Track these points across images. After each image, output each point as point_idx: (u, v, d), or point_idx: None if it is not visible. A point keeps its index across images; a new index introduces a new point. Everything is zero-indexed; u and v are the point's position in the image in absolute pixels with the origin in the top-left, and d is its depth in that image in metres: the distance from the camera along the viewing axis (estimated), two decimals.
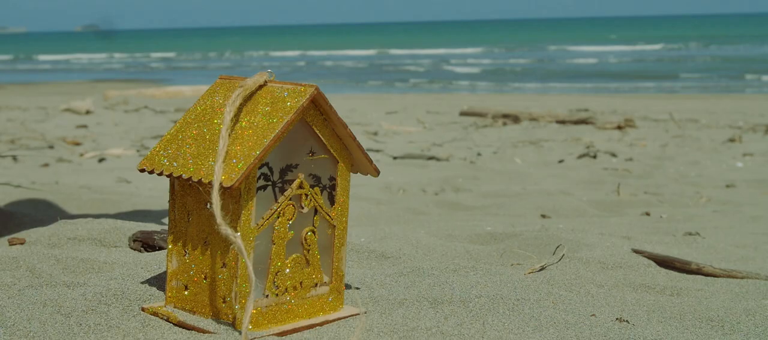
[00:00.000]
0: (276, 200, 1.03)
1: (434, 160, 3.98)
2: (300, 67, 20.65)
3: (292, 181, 1.05)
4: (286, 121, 1.00)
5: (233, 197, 0.99)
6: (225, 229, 0.96)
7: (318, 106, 1.05)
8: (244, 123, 1.02)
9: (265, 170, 1.01)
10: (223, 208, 1.00)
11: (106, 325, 1.03)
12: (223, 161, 0.99)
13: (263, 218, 1.02)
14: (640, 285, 1.42)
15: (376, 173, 1.12)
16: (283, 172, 1.04)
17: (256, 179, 1.00)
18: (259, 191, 1.01)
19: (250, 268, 0.97)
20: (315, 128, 1.05)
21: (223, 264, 1.01)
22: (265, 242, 1.03)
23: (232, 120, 1.02)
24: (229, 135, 1.01)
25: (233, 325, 1.01)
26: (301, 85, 1.04)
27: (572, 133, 5.51)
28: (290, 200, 1.04)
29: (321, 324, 1.08)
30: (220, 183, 0.97)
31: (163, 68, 21.18)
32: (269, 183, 1.02)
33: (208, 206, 1.02)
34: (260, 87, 1.06)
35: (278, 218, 1.03)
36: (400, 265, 1.38)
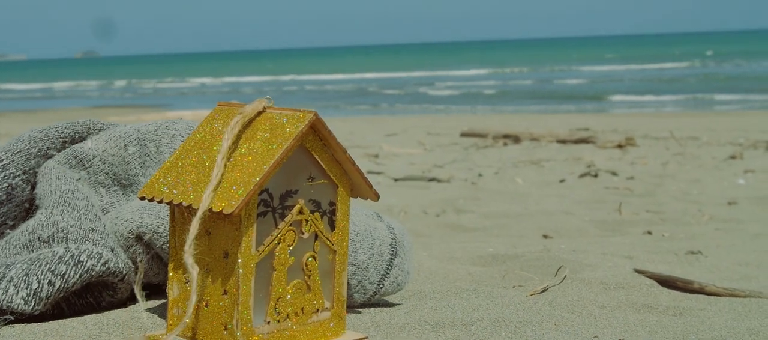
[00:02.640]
0: (276, 226, 1.03)
1: (435, 181, 3.98)
2: (292, 91, 20.65)
3: (292, 207, 1.04)
4: (285, 147, 1.00)
5: (234, 223, 0.99)
6: (188, 258, 0.96)
7: (317, 131, 1.05)
8: (243, 150, 1.02)
9: (265, 196, 1.01)
10: (223, 235, 1.00)
11: None
12: (220, 188, 0.99)
13: (264, 245, 1.02)
14: (642, 305, 1.41)
15: (376, 197, 1.12)
16: (283, 198, 1.04)
17: (256, 205, 1.00)
18: (259, 218, 1.01)
19: (194, 299, 0.96)
20: (314, 154, 1.05)
21: (225, 291, 1.01)
22: (266, 269, 1.03)
23: (229, 148, 1.02)
24: (226, 163, 1.01)
25: None
26: (299, 111, 1.04)
27: (573, 153, 5.51)
28: (290, 225, 1.04)
29: None
30: (211, 209, 0.97)
31: (161, 94, 21.19)
32: (269, 209, 1.02)
33: (208, 234, 1.02)
34: (259, 113, 1.06)
35: (279, 244, 1.03)
36: (401, 288, 1.38)
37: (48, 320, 1.13)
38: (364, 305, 1.29)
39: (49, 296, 1.11)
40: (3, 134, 7.42)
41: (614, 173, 4.30)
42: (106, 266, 1.15)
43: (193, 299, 0.96)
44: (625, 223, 2.67)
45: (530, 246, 2.05)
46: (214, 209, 0.97)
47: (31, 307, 1.10)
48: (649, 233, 2.44)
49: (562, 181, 4.05)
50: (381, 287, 1.28)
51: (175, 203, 1.02)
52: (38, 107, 15.25)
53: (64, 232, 1.17)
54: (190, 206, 1.01)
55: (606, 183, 3.93)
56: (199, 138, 1.09)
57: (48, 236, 1.18)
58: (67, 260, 1.13)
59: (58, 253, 1.13)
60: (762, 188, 3.76)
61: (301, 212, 1.05)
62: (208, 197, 0.98)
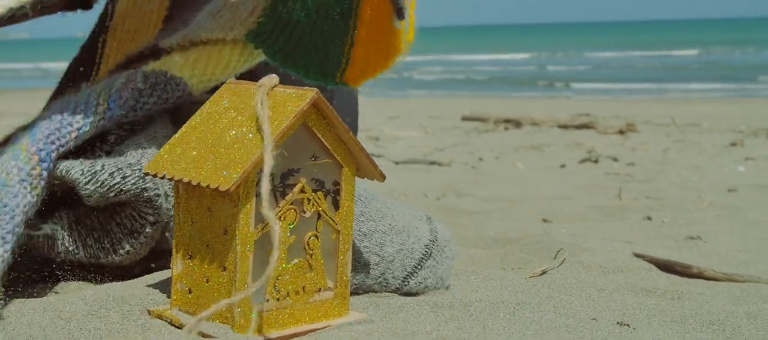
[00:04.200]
0: (277, 204, 1.03)
1: (436, 165, 3.99)
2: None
3: (294, 185, 1.05)
4: (285, 124, 1.00)
5: (232, 200, 1.00)
6: (267, 212, 0.96)
7: (320, 110, 1.05)
8: (244, 127, 1.03)
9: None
10: (223, 212, 1.00)
11: (107, 329, 1.03)
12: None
13: (263, 223, 1.02)
14: (641, 289, 1.42)
15: (382, 177, 1.12)
16: (285, 176, 1.04)
17: (255, 182, 1.00)
18: (258, 195, 1.01)
19: (275, 255, 0.96)
20: (317, 132, 1.06)
21: (224, 268, 1.02)
22: (265, 247, 1.03)
23: (269, 124, 1.02)
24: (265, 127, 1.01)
25: (232, 329, 1.01)
26: (302, 88, 1.04)
27: (574, 138, 5.51)
28: (292, 204, 1.05)
29: (323, 329, 1.08)
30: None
31: None
32: (270, 187, 1.02)
33: (209, 210, 1.03)
34: (272, 88, 1.06)
35: (279, 222, 1.03)
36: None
37: (48, 287, 1.14)
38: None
39: (106, 186, 1.14)
40: (4, 113, 7.42)
41: (615, 159, 4.30)
42: (156, 190, 1.19)
43: (275, 255, 0.95)
44: (624, 208, 2.67)
45: (530, 230, 2.05)
46: (211, 186, 0.98)
47: (87, 185, 1.14)
48: (649, 218, 2.45)
49: (562, 166, 4.05)
50: (406, 285, 1.26)
51: (177, 178, 1.03)
52: (40, 86, 15.24)
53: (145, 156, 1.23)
54: (190, 182, 1.01)
55: (606, 169, 3.94)
56: (205, 114, 1.09)
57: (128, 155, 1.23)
58: (135, 168, 1.18)
59: (130, 159, 1.19)
60: (762, 175, 3.76)
61: (302, 191, 1.05)
62: (269, 157, 0.98)
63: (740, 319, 1.23)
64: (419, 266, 1.26)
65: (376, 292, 1.25)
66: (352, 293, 1.23)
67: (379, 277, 1.24)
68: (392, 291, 1.26)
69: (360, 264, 1.23)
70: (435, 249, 1.28)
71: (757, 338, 1.16)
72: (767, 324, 1.22)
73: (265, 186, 0.96)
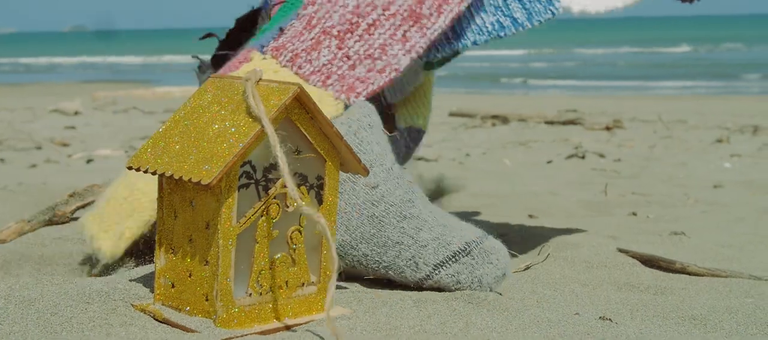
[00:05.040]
0: (259, 198, 1.03)
1: (423, 160, 3.99)
2: None
3: (276, 179, 1.05)
4: (269, 118, 1.00)
5: (214, 194, 1.00)
6: (307, 209, 0.98)
7: (303, 104, 1.05)
8: (227, 122, 1.03)
9: (247, 168, 1.02)
10: (205, 206, 1.00)
11: (89, 323, 1.02)
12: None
13: (245, 217, 1.02)
14: (624, 284, 1.42)
15: (366, 172, 1.12)
16: (267, 170, 1.04)
17: (237, 176, 1.00)
18: (241, 189, 1.01)
19: (334, 250, 0.99)
20: (300, 127, 1.06)
21: (206, 262, 1.01)
22: (248, 241, 1.03)
23: (267, 117, 1.01)
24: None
25: (214, 323, 1.01)
26: (284, 83, 1.04)
27: (561, 134, 5.52)
28: (274, 198, 1.04)
29: (305, 323, 1.08)
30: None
31: (151, 69, 21.08)
32: (252, 181, 1.02)
33: (192, 204, 1.02)
34: (257, 82, 1.06)
35: (261, 216, 1.03)
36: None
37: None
38: (346, 280, 1.29)
39: None
40: None
41: (601, 155, 4.31)
42: None
43: (333, 246, 1.00)
44: (610, 204, 2.68)
45: (516, 225, 2.06)
46: (193, 180, 0.98)
47: None
48: (634, 214, 2.45)
49: (549, 162, 4.06)
50: (436, 273, 1.25)
51: (159, 172, 1.03)
52: (24, 81, 15.16)
53: None
54: (172, 175, 1.01)
55: (593, 165, 3.95)
56: (189, 109, 1.09)
57: None
58: None
59: None
60: (747, 172, 3.77)
61: (285, 185, 1.05)
62: (283, 157, 0.99)
63: (722, 314, 1.24)
64: (453, 259, 1.26)
65: (406, 278, 1.24)
66: (382, 276, 1.25)
67: (410, 259, 1.24)
68: (423, 278, 1.25)
69: (392, 242, 1.23)
70: (476, 250, 1.27)
71: (737, 333, 1.17)
72: (748, 319, 1.22)
73: (284, 164, 0.98)
